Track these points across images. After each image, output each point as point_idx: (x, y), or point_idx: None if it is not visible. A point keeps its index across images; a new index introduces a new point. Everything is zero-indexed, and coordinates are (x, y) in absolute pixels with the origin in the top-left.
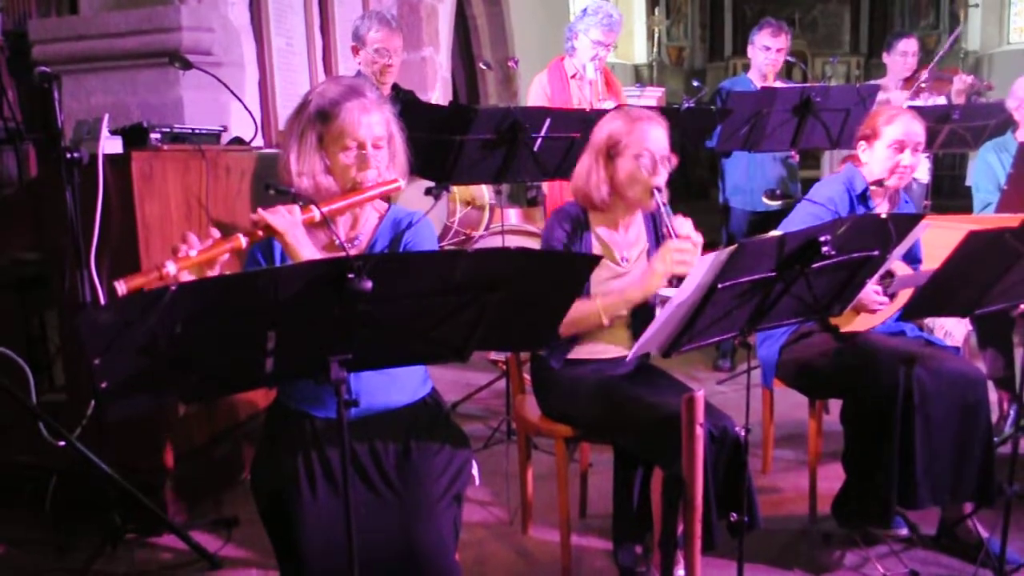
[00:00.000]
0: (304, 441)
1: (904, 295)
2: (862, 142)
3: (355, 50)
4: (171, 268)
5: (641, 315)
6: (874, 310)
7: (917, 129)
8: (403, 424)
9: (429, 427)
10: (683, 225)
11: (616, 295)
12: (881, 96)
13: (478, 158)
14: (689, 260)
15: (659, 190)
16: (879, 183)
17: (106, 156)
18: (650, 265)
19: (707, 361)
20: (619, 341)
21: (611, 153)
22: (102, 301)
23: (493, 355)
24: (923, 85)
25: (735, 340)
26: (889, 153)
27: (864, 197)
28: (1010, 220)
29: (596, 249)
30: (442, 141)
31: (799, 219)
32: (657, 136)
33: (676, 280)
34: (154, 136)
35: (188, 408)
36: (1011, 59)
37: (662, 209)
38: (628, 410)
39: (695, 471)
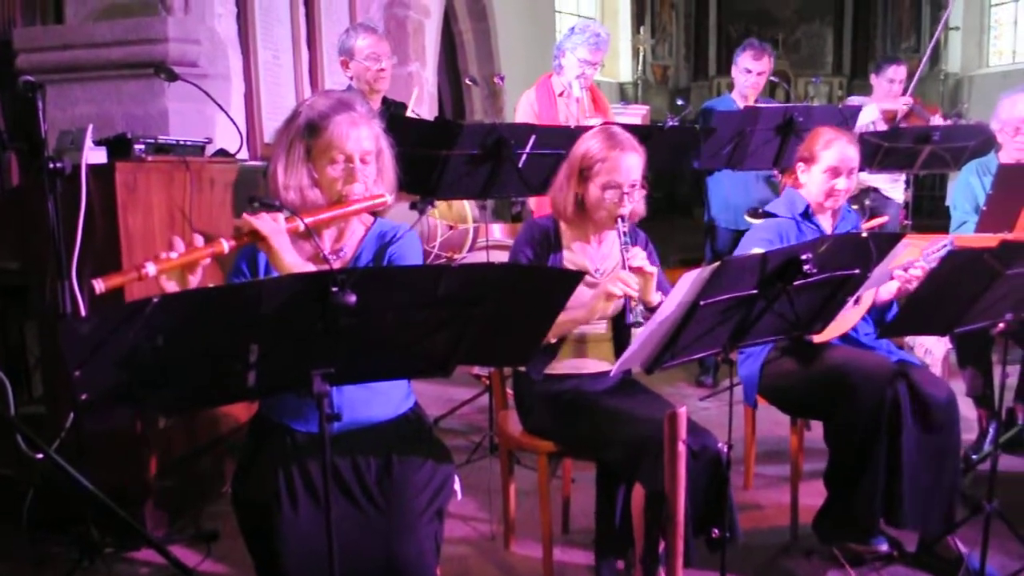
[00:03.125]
0: (286, 455)
1: (868, 297)
2: (800, 164)
3: (344, 64)
4: (151, 269)
5: (623, 330)
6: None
7: (852, 154)
8: (385, 439)
9: (411, 442)
10: (636, 257)
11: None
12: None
13: (463, 173)
14: (632, 291)
15: (622, 219)
16: (819, 206)
17: (89, 166)
18: (599, 289)
19: (690, 378)
20: (601, 356)
21: (584, 174)
22: (83, 313)
23: (476, 370)
24: (900, 116)
25: (718, 357)
26: (824, 178)
27: (807, 214)
28: (989, 240)
29: (567, 264)
30: (427, 156)
31: (750, 244)
32: (629, 166)
33: (644, 309)
34: (138, 147)
35: (169, 421)
36: (990, 81)
37: (621, 238)
38: (609, 426)
39: (677, 487)
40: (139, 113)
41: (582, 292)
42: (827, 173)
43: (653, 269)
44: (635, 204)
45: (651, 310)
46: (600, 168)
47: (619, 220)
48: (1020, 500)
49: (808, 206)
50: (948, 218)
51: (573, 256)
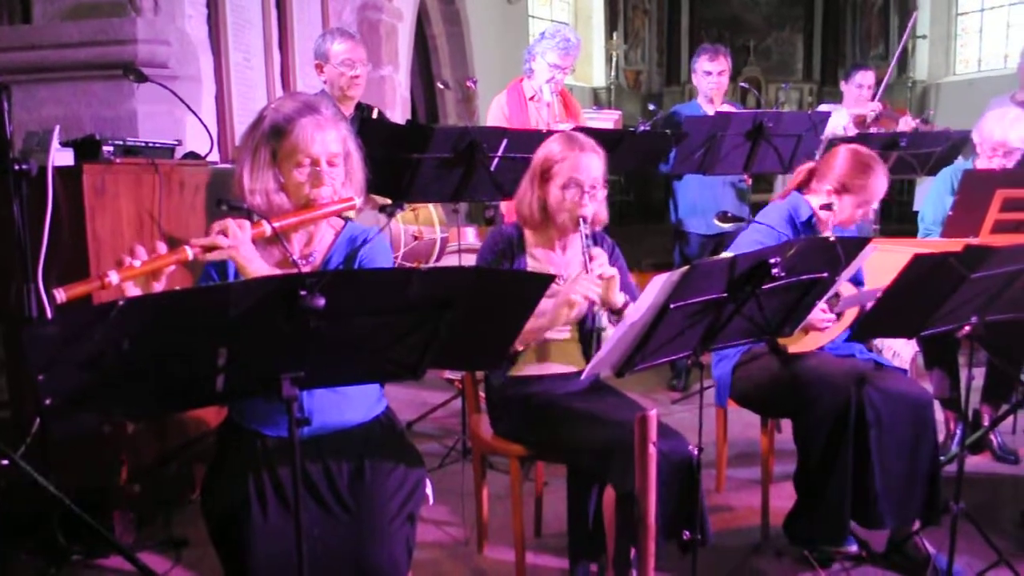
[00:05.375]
0: (255, 460)
1: (851, 314)
2: (835, 188)
3: (319, 68)
4: (114, 277)
5: (588, 333)
6: (821, 328)
7: (884, 186)
8: (357, 443)
9: (383, 446)
10: (598, 258)
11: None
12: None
13: (435, 177)
14: (592, 295)
15: (584, 220)
16: (827, 207)
17: (56, 169)
18: (561, 297)
19: (662, 381)
20: (567, 360)
21: (544, 176)
22: (49, 316)
23: (448, 374)
24: (870, 120)
25: (688, 360)
26: (856, 211)
27: (810, 224)
28: (954, 244)
29: (531, 269)
30: (399, 159)
31: (746, 242)
32: (589, 166)
33: (611, 313)
34: (106, 149)
35: (137, 426)
36: (957, 89)
37: (583, 240)
38: (579, 430)
39: (648, 490)
40: (108, 115)
41: (544, 301)
42: (861, 207)
43: (613, 271)
44: (597, 207)
45: (617, 312)
46: (560, 168)
47: (581, 221)
48: (986, 501)
49: (812, 215)
50: (916, 223)
51: (537, 264)
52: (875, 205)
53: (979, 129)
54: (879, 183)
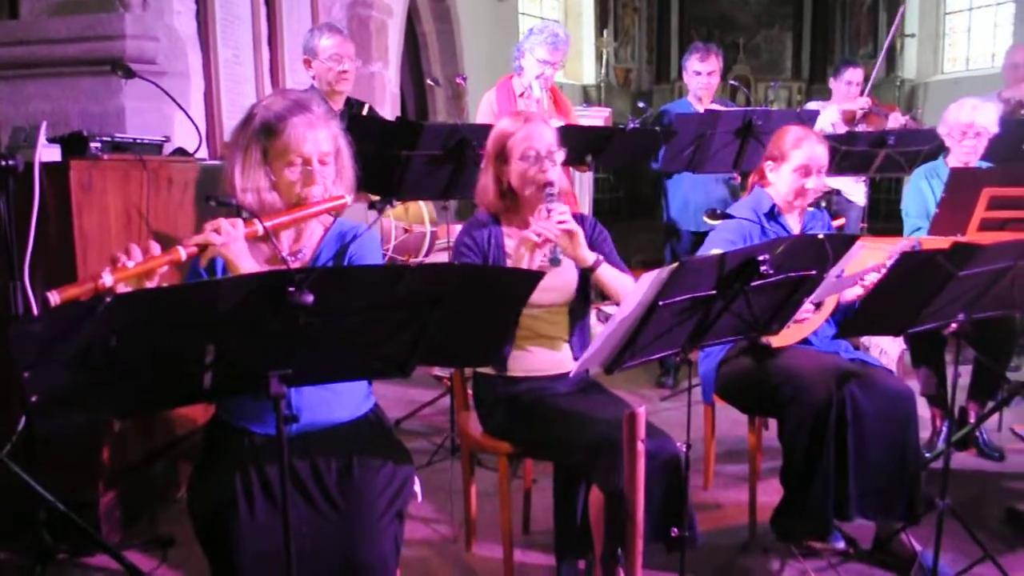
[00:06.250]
0: (243, 458)
1: (830, 304)
2: (769, 162)
3: (307, 63)
4: (107, 279)
5: (578, 331)
6: (801, 320)
7: (821, 152)
8: (345, 440)
9: (371, 443)
10: (557, 211)
11: None
12: (825, 128)
13: (425, 173)
14: (549, 235)
15: (551, 184)
16: (788, 204)
17: (43, 164)
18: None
19: (651, 378)
20: (558, 358)
21: (501, 157)
22: (35, 313)
23: (437, 371)
24: (859, 116)
25: (677, 357)
26: (794, 176)
27: (773, 214)
28: (941, 242)
29: (509, 250)
30: (389, 156)
31: (715, 240)
32: (541, 134)
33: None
34: (94, 145)
35: (124, 424)
36: (945, 88)
37: (546, 200)
38: (567, 428)
39: (636, 488)
40: (96, 111)
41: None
42: (797, 172)
43: (576, 228)
44: (558, 174)
45: (588, 271)
46: (513, 142)
47: (547, 187)
48: (972, 497)
49: (774, 205)
50: (903, 222)
51: (514, 244)
52: (822, 177)
53: (944, 121)
54: (806, 145)
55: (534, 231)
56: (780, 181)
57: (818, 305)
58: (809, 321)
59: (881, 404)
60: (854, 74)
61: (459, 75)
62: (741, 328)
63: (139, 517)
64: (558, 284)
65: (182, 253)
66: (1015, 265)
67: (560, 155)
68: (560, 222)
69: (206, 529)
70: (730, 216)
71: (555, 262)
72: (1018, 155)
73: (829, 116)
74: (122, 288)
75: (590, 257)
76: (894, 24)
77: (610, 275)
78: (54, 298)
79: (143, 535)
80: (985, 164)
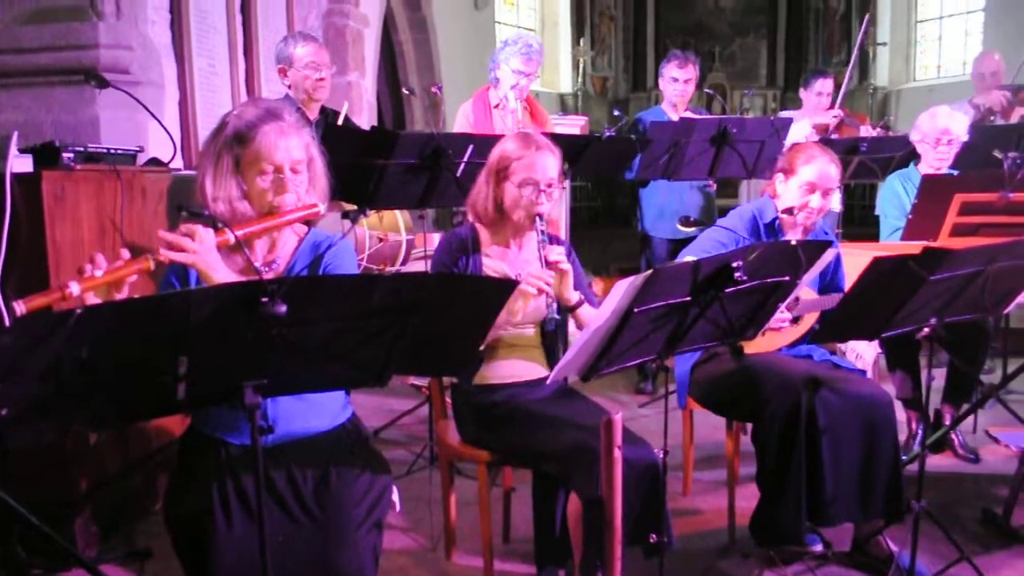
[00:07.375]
0: (219, 469)
1: (809, 319)
2: (780, 174)
3: (282, 72)
4: (75, 288)
5: (552, 338)
6: (776, 328)
7: (831, 173)
8: (322, 450)
9: (349, 453)
10: (553, 252)
11: None
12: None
13: (401, 183)
14: (546, 287)
15: (540, 217)
16: (788, 211)
17: (15, 175)
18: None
19: (630, 385)
20: (533, 359)
21: (500, 175)
22: (6, 324)
23: (415, 380)
24: (832, 128)
25: (653, 364)
26: (800, 192)
27: (773, 228)
28: (914, 247)
29: (487, 270)
30: (364, 165)
31: (702, 246)
32: (544, 165)
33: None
34: (66, 155)
35: (99, 436)
36: (917, 95)
37: (538, 236)
38: (544, 436)
39: (614, 494)
40: (69, 120)
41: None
42: (803, 188)
43: (568, 266)
44: (552, 205)
45: (570, 309)
46: (516, 166)
47: (537, 219)
48: (948, 499)
49: (776, 217)
50: (877, 227)
51: (492, 262)
52: (830, 199)
53: (918, 128)
54: (818, 164)
55: (528, 283)
56: (787, 194)
57: (796, 320)
58: (786, 331)
59: (856, 408)
60: (824, 84)
61: (434, 84)
62: (717, 334)
63: (116, 530)
64: (528, 311)
65: (152, 262)
66: (985, 270)
67: (557, 192)
68: (556, 262)
69: (183, 540)
70: (703, 223)
71: (550, 322)
72: (988, 161)
73: (802, 130)
74: (91, 298)
75: (574, 297)
76: (860, 32)
77: (587, 313)
78: (20, 308)
79: (120, 548)
80: (954, 172)
